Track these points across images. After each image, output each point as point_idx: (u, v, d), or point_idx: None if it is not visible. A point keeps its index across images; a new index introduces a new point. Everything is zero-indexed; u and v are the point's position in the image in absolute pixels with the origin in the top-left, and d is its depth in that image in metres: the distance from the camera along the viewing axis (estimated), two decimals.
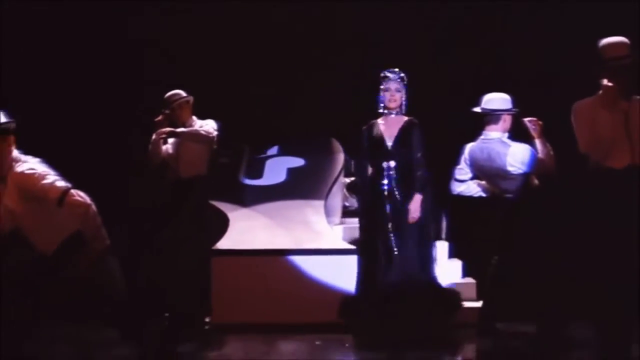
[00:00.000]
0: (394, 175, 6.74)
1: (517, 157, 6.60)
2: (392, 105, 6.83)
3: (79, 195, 4.72)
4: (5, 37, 8.16)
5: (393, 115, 6.85)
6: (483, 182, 6.83)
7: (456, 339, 6.62)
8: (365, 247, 6.83)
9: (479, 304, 7.08)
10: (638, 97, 4.88)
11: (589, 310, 5.01)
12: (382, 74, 6.87)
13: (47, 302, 5.03)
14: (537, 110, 6.61)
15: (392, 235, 6.67)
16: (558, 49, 8.06)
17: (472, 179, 6.85)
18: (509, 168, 6.61)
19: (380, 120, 6.90)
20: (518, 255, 6.61)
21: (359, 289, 6.77)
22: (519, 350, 6.40)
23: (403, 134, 6.80)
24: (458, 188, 6.91)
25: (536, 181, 6.72)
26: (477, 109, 6.75)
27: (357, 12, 8.58)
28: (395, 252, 6.63)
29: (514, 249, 6.64)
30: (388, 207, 6.70)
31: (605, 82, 4.84)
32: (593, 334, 5.05)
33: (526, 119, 6.60)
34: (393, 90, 6.82)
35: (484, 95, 6.75)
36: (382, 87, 6.84)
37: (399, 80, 6.83)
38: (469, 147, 6.84)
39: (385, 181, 6.73)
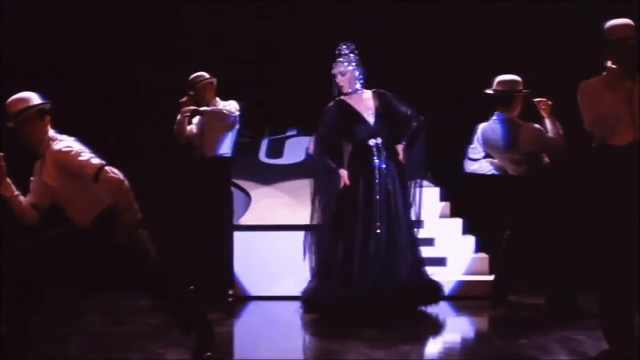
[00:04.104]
0: (383, 152, 6.60)
1: (527, 136, 6.81)
2: (345, 88, 6.69)
3: (113, 171, 4.87)
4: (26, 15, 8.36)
5: (356, 94, 6.69)
6: (495, 161, 7.00)
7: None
8: (341, 226, 6.59)
9: (491, 277, 7.31)
10: None
11: (596, 282, 5.08)
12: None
13: (81, 273, 5.26)
14: (546, 90, 6.78)
15: (385, 215, 6.51)
16: (566, 31, 8.20)
17: (484, 157, 7.03)
18: (520, 147, 6.81)
19: (345, 99, 6.71)
20: (529, 230, 6.82)
21: (329, 267, 6.60)
22: (531, 321, 6.54)
23: (382, 109, 6.67)
24: (471, 167, 7.09)
25: (547, 159, 6.91)
26: (490, 91, 6.91)
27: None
28: (379, 232, 6.49)
29: (525, 225, 6.85)
30: (378, 185, 6.55)
31: (609, 63, 4.93)
32: (599, 305, 5.12)
33: (536, 100, 6.79)
34: (339, 74, 6.67)
35: (496, 77, 6.92)
36: (332, 72, 6.73)
37: (344, 61, 6.65)
38: (481, 127, 6.99)
39: (377, 160, 6.58)
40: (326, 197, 6.75)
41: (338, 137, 6.74)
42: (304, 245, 6.81)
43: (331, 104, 6.75)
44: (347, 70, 6.69)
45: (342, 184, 6.63)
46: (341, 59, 6.71)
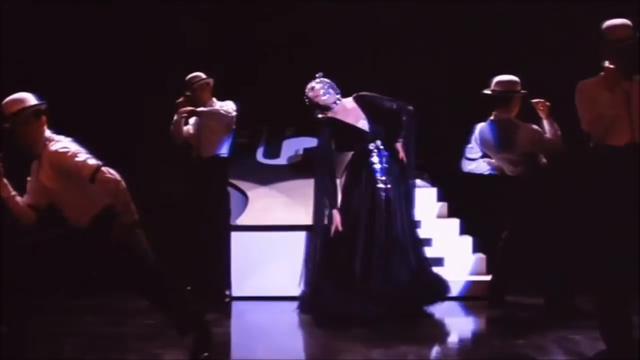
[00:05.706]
0: (384, 152, 6.70)
1: (525, 137, 6.81)
2: (319, 101, 6.78)
3: (110, 172, 4.85)
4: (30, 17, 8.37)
5: (336, 107, 6.77)
6: (492, 161, 7.00)
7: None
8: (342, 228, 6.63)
9: (488, 277, 7.31)
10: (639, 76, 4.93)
11: (593, 283, 5.08)
12: None
13: (79, 273, 5.24)
14: (544, 91, 6.78)
15: (384, 217, 6.58)
16: (564, 30, 8.21)
17: (482, 157, 7.04)
18: (518, 147, 6.81)
19: (333, 116, 6.79)
20: (527, 231, 6.82)
21: (331, 269, 6.67)
22: (528, 321, 6.54)
23: (369, 111, 6.75)
24: (468, 166, 7.09)
25: (544, 160, 6.91)
26: (487, 91, 6.91)
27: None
28: (381, 234, 6.56)
29: (522, 225, 6.84)
30: (381, 186, 6.63)
31: (607, 63, 4.91)
32: (596, 305, 5.12)
33: (534, 100, 6.79)
34: (309, 91, 6.80)
35: (494, 77, 6.92)
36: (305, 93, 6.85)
37: (313, 81, 6.79)
38: (479, 127, 6.99)
39: (377, 161, 6.68)
40: (328, 199, 6.78)
41: (337, 155, 6.86)
42: (306, 247, 6.84)
43: (323, 126, 6.80)
44: (314, 86, 6.77)
45: (333, 227, 6.66)
46: (312, 82, 6.81)
